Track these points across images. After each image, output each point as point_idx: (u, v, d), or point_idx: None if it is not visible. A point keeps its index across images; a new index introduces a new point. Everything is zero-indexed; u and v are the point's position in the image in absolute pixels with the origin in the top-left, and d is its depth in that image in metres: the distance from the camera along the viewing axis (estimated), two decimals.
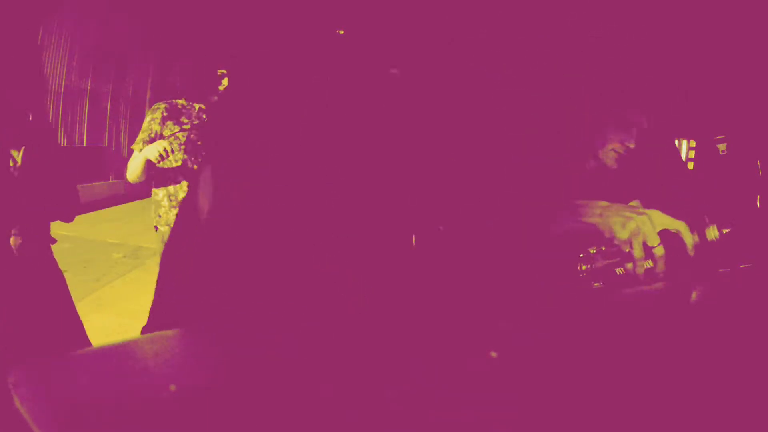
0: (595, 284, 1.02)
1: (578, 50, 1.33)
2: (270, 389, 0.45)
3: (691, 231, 0.97)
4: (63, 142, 12.30)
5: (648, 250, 0.97)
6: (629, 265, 0.99)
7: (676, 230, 0.97)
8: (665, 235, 0.98)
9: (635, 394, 0.45)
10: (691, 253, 0.96)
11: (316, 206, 0.95)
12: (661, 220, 0.98)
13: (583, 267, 1.02)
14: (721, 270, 0.98)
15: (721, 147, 2.08)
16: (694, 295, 0.87)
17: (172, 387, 0.45)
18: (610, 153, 1.29)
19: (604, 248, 1.02)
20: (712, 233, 0.97)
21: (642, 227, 0.97)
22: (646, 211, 0.99)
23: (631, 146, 1.28)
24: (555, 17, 1.36)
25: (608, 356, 0.53)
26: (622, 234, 0.97)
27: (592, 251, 1.03)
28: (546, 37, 1.32)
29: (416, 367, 0.50)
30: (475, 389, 0.45)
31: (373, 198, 1.17)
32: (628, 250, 0.98)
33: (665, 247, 0.97)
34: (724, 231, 0.98)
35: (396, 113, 1.24)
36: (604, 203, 1.04)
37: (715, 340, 0.60)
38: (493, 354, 0.52)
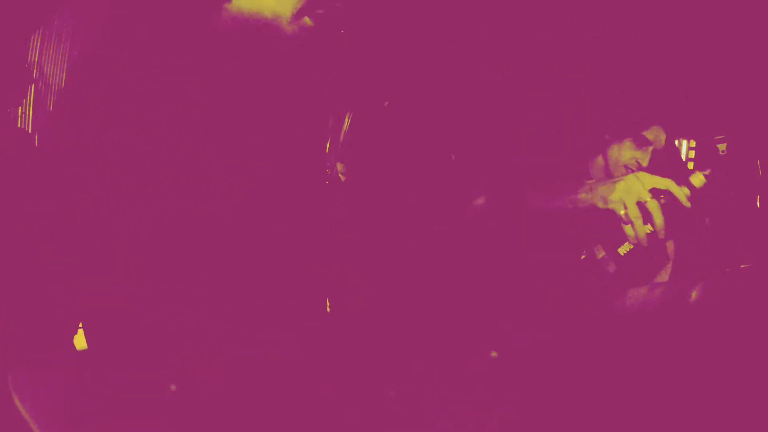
0: (581, 256, 1.02)
1: (578, 50, 1.33)
2: (270, 389, 0.45)
3: (678, 184, 0.99)
4: None
5: (645, 212, 0.98)
6: (629, 230, 0.98)
7: (666, 187, 0.99)
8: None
9: (635, 394, 0.45)
10: (687, 205, 0.97)
11: (314, 205, 0.95)
12: (649, 180, 1.00)
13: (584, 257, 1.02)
14: (720, 270, 0.97)
15: (721, 147, 2.08)
16: (694, 295, 0.87)
17: (172, 387, 0.45)
18: (620, 169, 1.28)
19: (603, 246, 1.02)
20: (698, 179, 0.99)
21: (632, 186, 0.99)
22: (632, 173, 1.01)
23: (644, 164, 1.28)
24: (555, 17, 1.36)
25: (608, 356, 0.53)
26: (614, 195, 0.99)
27: (599, 254, 1.04)
28: (546, 37, 1.32)
29: (416, 367, 0.50)
30: (475, 389, 0.45)
31: (372, 197, 1.17)
32: (623, 212, 0.99)
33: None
34: (706, 173, 0.99)
35: (395, 112, 1.25)
36: (591, 180, 1.05)
37: (715, 340, 0.60)
38: (494, 354, 0.52)
